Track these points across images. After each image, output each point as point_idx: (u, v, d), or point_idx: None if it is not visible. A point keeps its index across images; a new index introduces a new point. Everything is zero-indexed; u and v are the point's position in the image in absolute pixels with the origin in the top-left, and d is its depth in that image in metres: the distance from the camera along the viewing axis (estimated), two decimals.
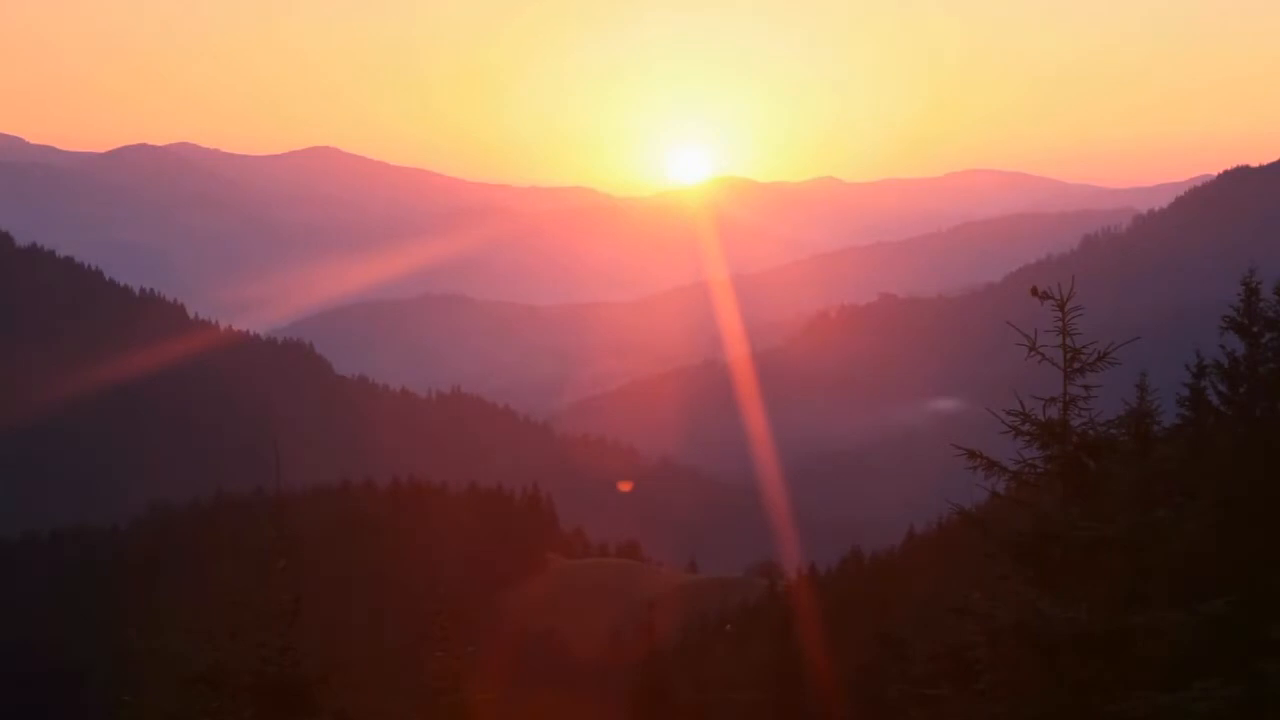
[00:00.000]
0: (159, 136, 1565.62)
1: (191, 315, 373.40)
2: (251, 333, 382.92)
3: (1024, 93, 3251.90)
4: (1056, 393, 19.64)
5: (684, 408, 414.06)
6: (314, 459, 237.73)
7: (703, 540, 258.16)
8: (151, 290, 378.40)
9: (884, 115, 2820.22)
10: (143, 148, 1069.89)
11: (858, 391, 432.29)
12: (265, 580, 20.19)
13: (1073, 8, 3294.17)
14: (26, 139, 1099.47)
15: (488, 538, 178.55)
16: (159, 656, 19.86)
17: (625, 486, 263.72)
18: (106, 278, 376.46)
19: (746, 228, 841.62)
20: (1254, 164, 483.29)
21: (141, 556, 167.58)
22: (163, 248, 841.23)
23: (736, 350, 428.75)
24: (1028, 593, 19.22)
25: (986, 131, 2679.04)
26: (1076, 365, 19.51)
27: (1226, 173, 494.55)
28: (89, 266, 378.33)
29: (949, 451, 20.94)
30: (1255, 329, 35.23)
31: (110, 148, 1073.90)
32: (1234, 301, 35.51)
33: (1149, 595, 19.41)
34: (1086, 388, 19.62)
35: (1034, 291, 19.38)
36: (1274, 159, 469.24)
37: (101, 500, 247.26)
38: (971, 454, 19.62)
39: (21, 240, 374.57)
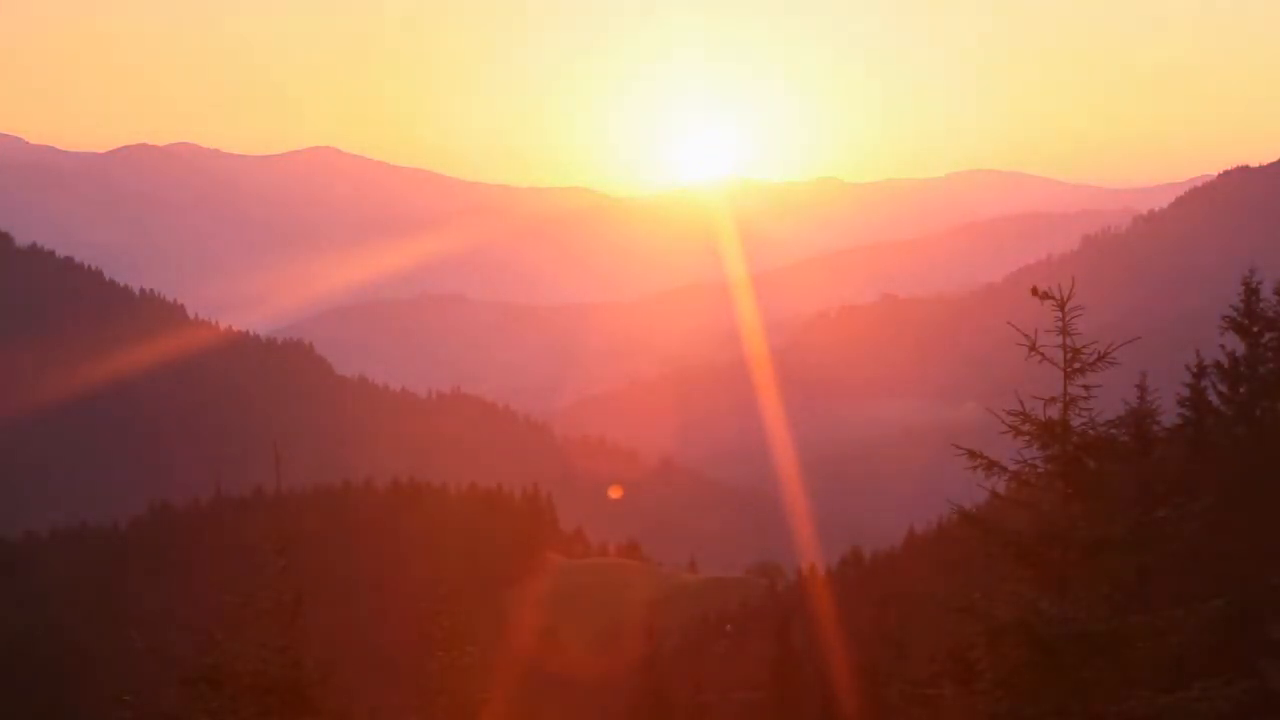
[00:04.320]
0: (159, 136, 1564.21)
1: (191, 315, 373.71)
2: (251, 333, 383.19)
3: (1024, 93, 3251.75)
4: (1056, 393, 19.64)
5: (684, 408, 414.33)
6: (314, 459, 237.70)
7: (703, 540, 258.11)
8: (151, 290, 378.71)
9: (884, 115, 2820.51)
10: (143, 148, 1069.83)
11: (857, 391, 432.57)
12: (265, 580, 20.20)
13: (1073, 8, 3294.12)
14: (26, 139, 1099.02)
15: (488, 538, 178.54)
16: (159, 656, 19.87)
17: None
18: (106, 278, 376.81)
19: (747, 228, 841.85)
20: (1254, 164, 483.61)
21: (141, 556, 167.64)
22: (163, 248, 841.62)
23: (737, 350, 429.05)
24: (1028, 593, 19.22)
25: (986, 131, 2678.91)
26: (1076, 365, 19.50)
27: (1226, 173, 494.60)
28: (89, 266, 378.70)
29: (949, 451, 20.94)
30: (1255, 329, 35.24)
31: (110, 148, 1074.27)
32: (1234, 301, 35.54)
33: (1149, 595, 19.43)
34: (1086, 388, 19.61)
35: (1034, 291, 19.37)
36: (1274, 159, 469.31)
37: (101, 500, 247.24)
38: (971, 454, 19.61)
39: (21, 240, 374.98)
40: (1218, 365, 35.70)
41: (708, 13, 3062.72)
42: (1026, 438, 19.79)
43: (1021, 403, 19.85)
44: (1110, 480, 19.68)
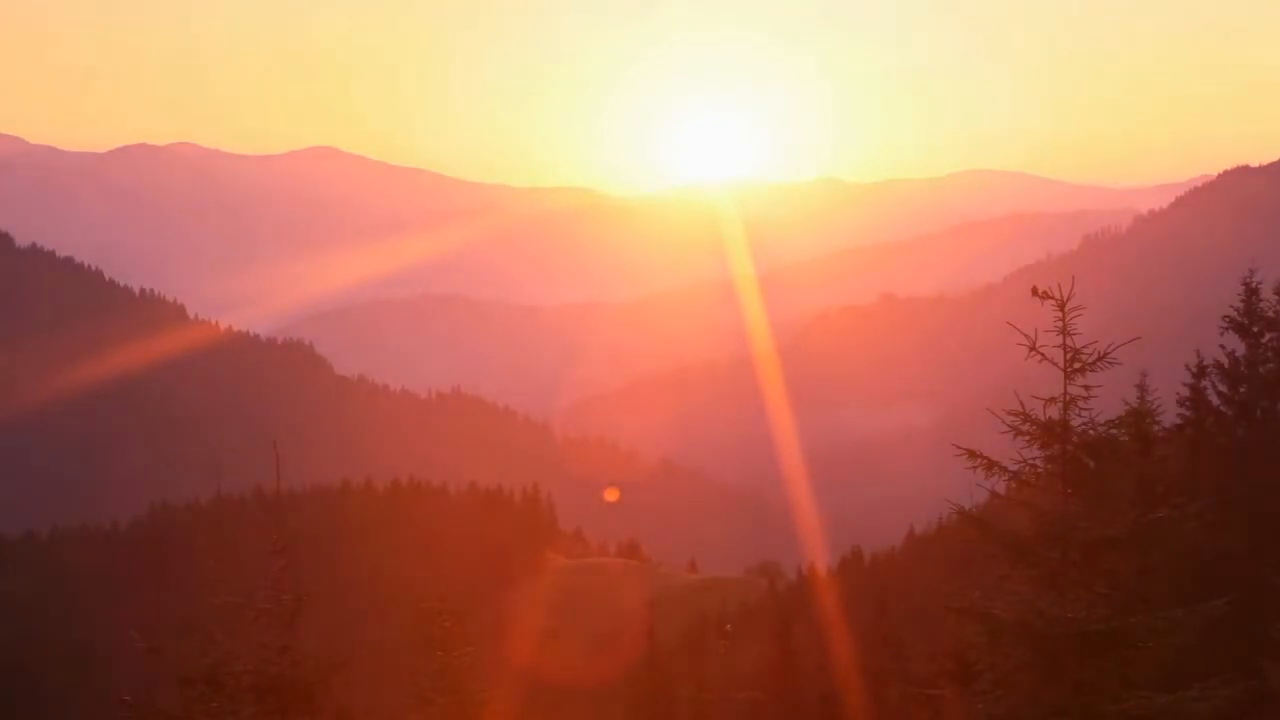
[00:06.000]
0: (159, 136, 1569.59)
1: (191, 315, 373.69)
2: (252, 333, 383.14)
3: (1024, 93, 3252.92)
4: (1056, 393, 19.63)
5: (684, 408, 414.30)
6: (314, 459, 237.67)
7: (703, 540, 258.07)
8: (151, 290, 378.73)
9: (885, 115, 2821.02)
10: (143, 148, 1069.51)
11: (858, 392, 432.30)
12: (265, 580, 20.19)
13: (1073, 8, 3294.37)
14: (26, 139, 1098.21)
15: (488, 538, 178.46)
16: (159, 656, 19.86)
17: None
18: (106, 278, 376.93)
19: (747, 228, 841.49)
20: (1254, 164, 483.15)
21: (141, 556, 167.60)
22: (163, 248, 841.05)
23: (737, 350, 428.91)
24: (1028, 593, 19.22)
25: (986, 131, 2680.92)
26: (1076, 365, 19.49)
27: (1226, 173, 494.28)
28: (89, 266, 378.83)
29: (949, 451, 20.93)
30: (1255, 329, 35.23)
31: (110, 148, 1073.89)
32: (1234, 301, 35.51)
33: (1149, 595, 19.41)
34: (1086, 388, 19.60)
35: (1034, 291, 19.37)
36: (1274, 159, 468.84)
37: (101, 500, 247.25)
38: (971, 454, 19.60)
39: (21, 240, 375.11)
40: (1218, 365, 35.68)
41: (707, 14, 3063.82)
42: (1026, 438, 19.78)
43: (1021, 403, 19.84)
44: (1110, 480, 19.67)
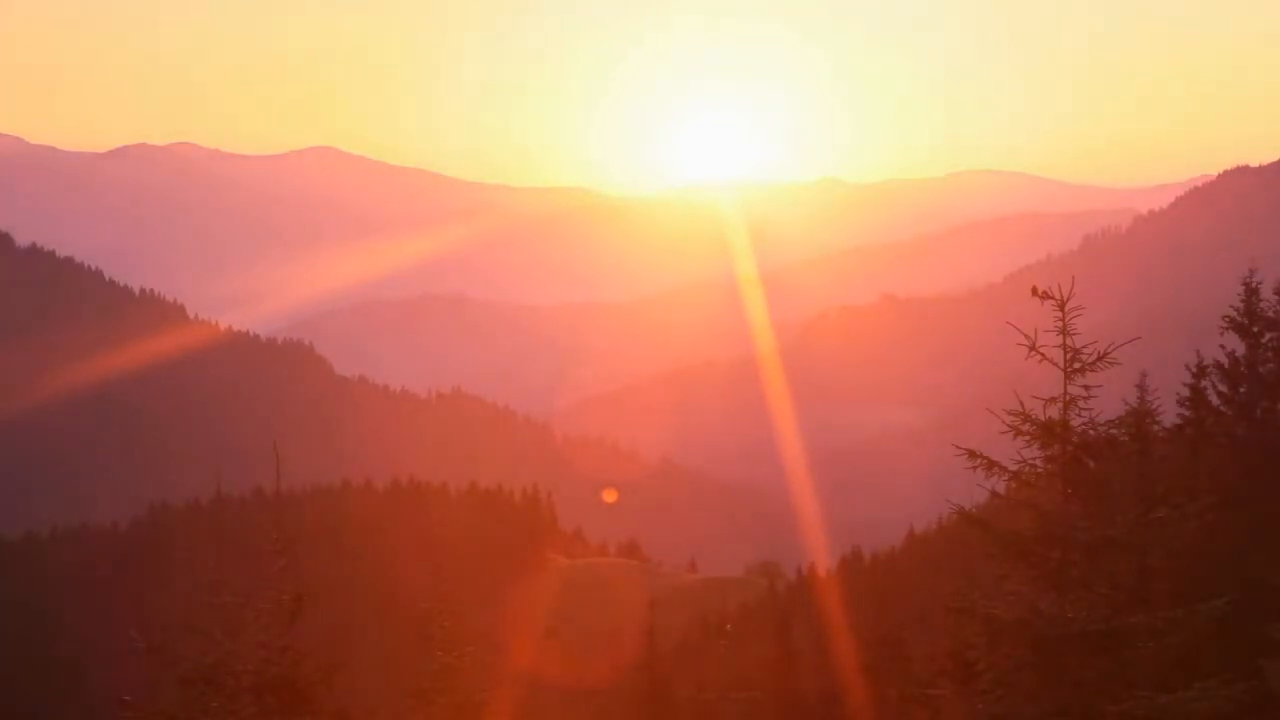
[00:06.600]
0: (159, 136, 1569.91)
1: (191, 315, 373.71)
2: (252, 333, 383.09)
3: (1024, 92, 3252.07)
4: (1056, 393, 19.63)
5: (684, 408, 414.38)
6: (314, 459, 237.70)
7: (703, 540, 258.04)
8: (151, 290, 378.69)
9: (886, 116, 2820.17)
10: (143, 148, 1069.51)
11: (858, 392, 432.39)
12: (265, 580, 20.20)
13: (1073, 7, 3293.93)
14: (26, 139, 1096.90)
15: (488, 538, 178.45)
16: (159, 656, 19.86)
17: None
18: (106, 278, 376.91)
19: (748, 228, 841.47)
20: (1254, 164, 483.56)
21: (141, 556, 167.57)
22: (163, 248, 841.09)
23: (737, 350, 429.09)
24: (1028, 593, 19.23)
25: (986, 131, 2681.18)
26: (1076, 365, 19.50)
27: (1226, 173, 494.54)
28: (89, 266, 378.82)
29: (949, 451, 20.94)
30: (1255, 329, 35.21)
31: (110, 148, 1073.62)
32: (1234, 301, 35.50)
33: (1149, 595, 19.42)
34: (1086, 388, 19.61)
35: (1034, 291, 19.38)
36: (1274, 159, 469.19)
37: (101, 500, 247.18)
38: (971, 454, 19.61)
39: (21, 240, 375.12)
40: (1218, 365, 35.67)
41: (708, 14, 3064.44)
42: (1026, 438, 19.79)
43: (1021, 403, 19.85)
44: (1110, 480, 19.68)
